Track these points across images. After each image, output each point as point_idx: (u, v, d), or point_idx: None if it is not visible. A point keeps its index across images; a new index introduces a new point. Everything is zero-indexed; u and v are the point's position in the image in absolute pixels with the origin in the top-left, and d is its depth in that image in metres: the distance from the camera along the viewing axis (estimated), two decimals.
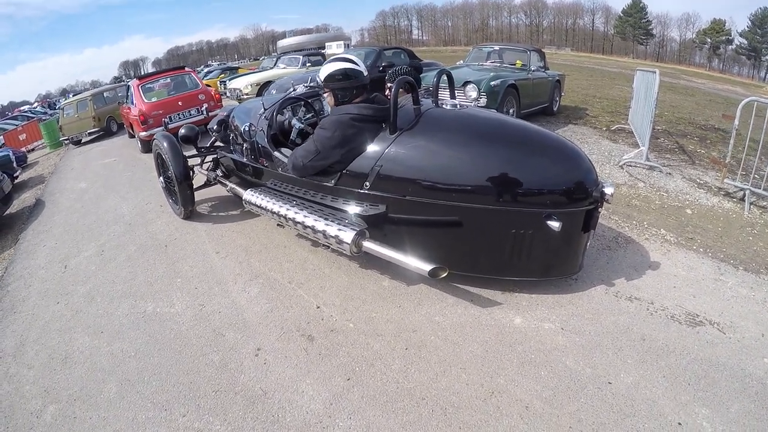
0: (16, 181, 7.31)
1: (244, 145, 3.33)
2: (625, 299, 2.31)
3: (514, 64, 6.37)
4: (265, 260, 3.08)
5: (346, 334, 2.21)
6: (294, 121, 3.15)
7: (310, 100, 3.46)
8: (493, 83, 5.26)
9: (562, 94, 7.64)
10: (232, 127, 3.69)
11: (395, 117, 2.29)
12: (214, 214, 4.12)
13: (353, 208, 2.43)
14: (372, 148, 2.36)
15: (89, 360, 2.32)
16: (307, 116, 3.42)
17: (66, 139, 10.74)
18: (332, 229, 2.32)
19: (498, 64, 6.59)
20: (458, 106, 2.47)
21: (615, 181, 4.13)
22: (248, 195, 3.08)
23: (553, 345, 2.01)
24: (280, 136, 3.13)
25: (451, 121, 2.37)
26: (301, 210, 2.60)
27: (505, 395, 1.77)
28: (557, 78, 7.12)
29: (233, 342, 2.26)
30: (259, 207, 2.95)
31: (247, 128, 3.18)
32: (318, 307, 2.45)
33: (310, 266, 2.91)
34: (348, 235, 2.24)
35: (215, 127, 4.04)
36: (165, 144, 3.78)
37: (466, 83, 5.38)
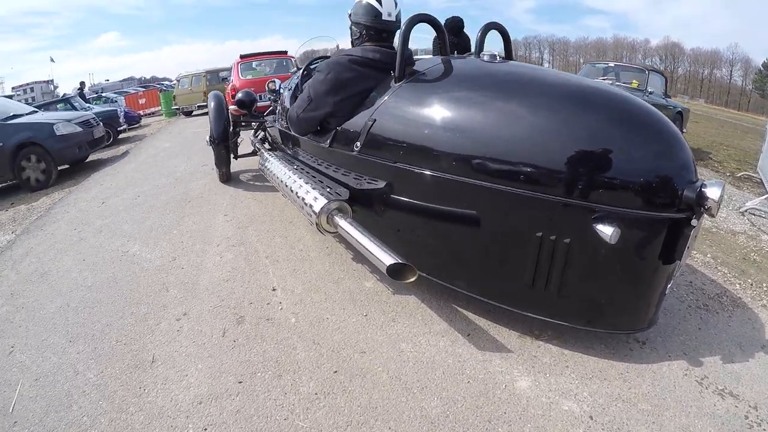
0: (120, 135, 8.43)
1: (278, 108, 3.09)
2: (714, 392, 1.40)
3: (630, 84, 5.31)
4: (262, 231, 2.75)
5: (279, 328, 1.71)
6: None
7: None
8: None
9: (684, 130, 6.22)
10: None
11: (403, 60, 1.75)
12: (252, 182, 4.01)
13: (351, 181, 1.94)
14: (371, 99, 1.85)
15: (57, 280, 2.39)
16: None
17: (177, 109, 11.96)
18: (310, 196, 1.85)
19: (610, 82, 5.57)
20: (498, 58, 1.83)
21: (732, 228, 2.99)
22: (263, 156, 2.80)
23: None
24: None
25: (481, 70, 1.73)
26: (295, 174, 2.20)
27: None
28: (679, 109, 5.81)
29: (170, 300, 2.04)
30: (265, 168, 2.64)
31: (276, 87, 2.94)
32: (274, 290, 2.00)
33: (300, 246, 2.48)
34: (320, 204, 1.75)
35: (270, 96, 3.91)
36: (213, 103, 3.74)
37: None
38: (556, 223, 1.36)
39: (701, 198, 1.26)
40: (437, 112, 1.60)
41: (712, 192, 1.25)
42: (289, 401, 1.34)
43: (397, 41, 1.94)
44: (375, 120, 1.75)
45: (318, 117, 2.04)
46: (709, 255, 2.44)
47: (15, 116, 5.32)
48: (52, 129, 5.13)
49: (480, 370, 1.48)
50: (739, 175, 5.05)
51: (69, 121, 5.45)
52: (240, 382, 1.43)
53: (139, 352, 1.66)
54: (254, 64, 8.01)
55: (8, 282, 2.46)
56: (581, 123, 1.38)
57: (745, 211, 3.43)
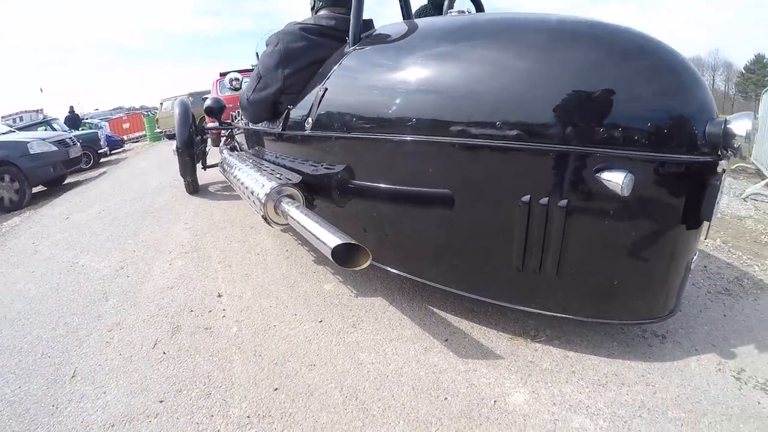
0: (102, 158, 8.31)
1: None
2: (756, 388, 1.15)
3: None
4: (219, 237, 2.55)
5: (217, 338, 1.48)
6: None
7: None
8: None
9: None
10: None
11: (358, 23, 1.56)
12: (220, 193, 3.86)
13: (307, 168, 1.76)
14: (324, 70, 1.67)
15: (0, 292, 2.20)
16: None
17: (160, 132, 11.70)
18: (258, 184, 1.67)
19: None
20: (468, 12, 1.62)
21: (737, 214, 2.80)
22: (222, 156, 2.65)
23: None
24: None
25: (446, 25, 1.49)
26: (247, 166, 2.03)
27: None
28: None
29: (107, 309, 1.83)
30: (223, 169, 2.48)
31: (240, 83, 2.80)
32: (219, 296, 1.78)
33: (257, 250, 2.27)
34: (265, 190, 1.57)
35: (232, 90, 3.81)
36: (177, 110, 3.59)
37: None
38: (547, 180, 1.10)
39: (727, 136, 1.00)
40: (397, 71, 1.38)
41: (740, 126, 0.99)
42: (214, 426, 1.10)
43: None
44: (326, 89, 1.56)
45: (269, 97, 1.86)
46: (719, 239, 2.25)
47: None
48: (26, 148, 4.98)
49: (461, 382, 1.20)
50: (733, 167, 4.94)
51: (44, 140, 5.30)
52: (161, 401, 1.20)
53: (61, 366, 1.45)
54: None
55: None
56: (572, 59, 1.12)
57: (747, 197, 3.32)
